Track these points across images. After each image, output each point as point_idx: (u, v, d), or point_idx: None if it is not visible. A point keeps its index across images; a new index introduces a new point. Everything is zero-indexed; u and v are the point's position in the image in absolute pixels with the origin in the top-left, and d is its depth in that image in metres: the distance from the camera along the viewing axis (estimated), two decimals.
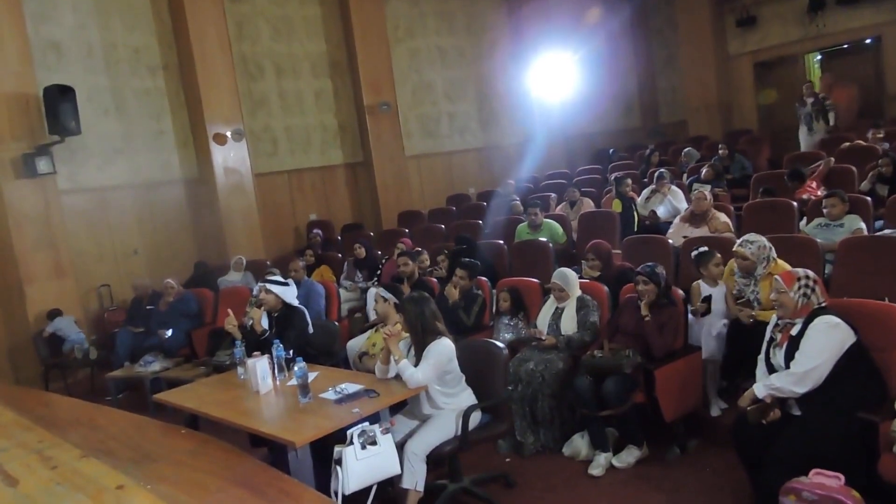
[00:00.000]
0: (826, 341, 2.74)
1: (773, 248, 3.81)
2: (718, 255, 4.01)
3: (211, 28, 8.10)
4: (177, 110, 8.28)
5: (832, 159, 6.59)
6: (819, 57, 11.28)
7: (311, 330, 4.18)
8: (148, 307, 6.37)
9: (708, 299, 3.87)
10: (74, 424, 3.44)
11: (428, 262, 6.00)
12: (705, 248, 4.09)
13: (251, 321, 3.93)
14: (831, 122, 8.55)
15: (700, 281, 4.03)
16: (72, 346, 6.30)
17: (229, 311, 4.05)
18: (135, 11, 7.96)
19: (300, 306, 4.21)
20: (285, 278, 5.87)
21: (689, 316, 3.86)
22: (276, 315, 4.08)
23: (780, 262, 3.79)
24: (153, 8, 8.08)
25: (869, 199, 5.26)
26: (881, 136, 7.24)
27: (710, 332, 3.82)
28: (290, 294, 4.15)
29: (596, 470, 3.56)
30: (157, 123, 8.15)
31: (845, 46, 10.62)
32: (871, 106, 10.29)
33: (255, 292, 4.12)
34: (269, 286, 4.08)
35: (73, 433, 3.21)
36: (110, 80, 7.77)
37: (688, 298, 3.94)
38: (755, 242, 3.80)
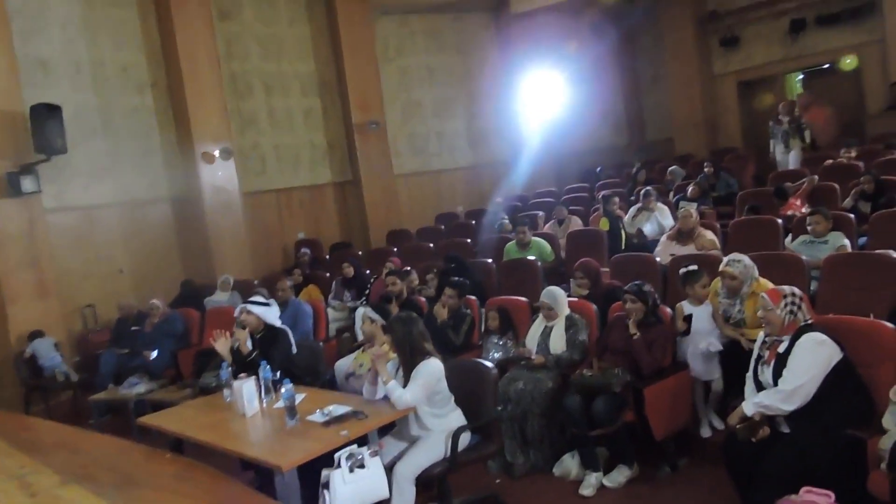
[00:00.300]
0: (813, 358, 2.75)
1: (755, 267, 3.82)
2: (706, 277, 3.95)
3: (200, 46, 8.12)
4: (165, 128, 8.25)
5: (816, 177, 6.67)
6: (801, 77, 11.49)
7: (294, 350, 4.14)
8: (133, 328, 6.28)
9: (688, 319, 3.83)
10: (56, 449, 3.36)
11: (417, 281, 5.98)
12: (694, 267, 4.01)
13: (237, 342, 3.89)
14: (807, 140, 8.60)
15: (684, 301, 3.97)
16: (51, 369, 6.20)
17: (219, 330, 4.00)
18: (123, 29, 7.96)
19: (283, 326, 4.16)
20: (273, 298, 5.86)
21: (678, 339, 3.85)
22: (259, 336, 4.04)
23: (762, 280, 3.80)
24: (142, 26, 8.10)
25: (852, 216, 5.32)
26: (852, 155, 7.36)
27: (694, 351, 3.79)
28: (271, 314, 4.10)
29: (587, 490, 3.54)
30: (144, 142, 8.12)
31: (825, 67, 10.83)
32: (853, 125, 10.47)
33: (236, 314, 4.07)
34: (249, 307, 4.03)
35: (55, 458, 3.13)
36: (98, 98, 7.75)
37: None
38: (741, 261, 3.81)
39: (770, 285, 3.71)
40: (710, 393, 3.90)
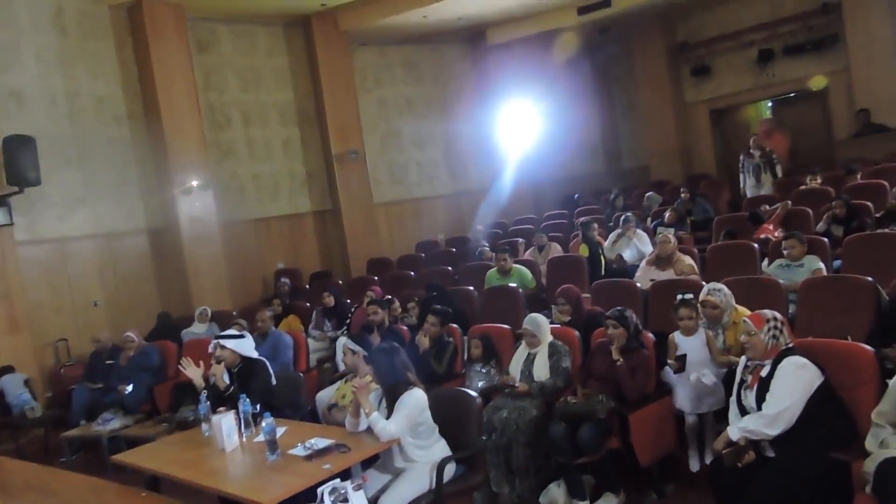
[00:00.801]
0: (795, 382, 2.77)
1: (733, 296, 3.86)
2: (688, 309, 3.78)
3: (178, 77, 8.10)
4: (142, 159, 8.18)
5: (789, 202, 6.82)
6: (770, 104, 11.83)
7: (274, 381, 4.06)
8: (108, 361, 6.12)
9: (682, 358, 3.64)
10: (26, 490, 3.24)
11: (400, 310, 5.95)
12: (690, 295, 3.84)
13: (213, 378, 3.81)
14: (779, 175, 8.63)
15: (676, 333, 3.83)
16: (19, 407, 6.01)
17: (186, 358, 3.92)
18: (100, 60, 7.92)
19: (260, 358, 4.09)
20: (253, 328, 5.78)
21: (667, 368, 3.77)
22: (235, 370, 3.96)
23: (739, 308, 3.84)
24: (119, 57, 8.07)
25: (825, 239, 5.43)
26: (818, 182, 7.54)
27: (684, 383, 3.70)
28: (246, 346, 4.03)
29: None
30: (121, 173, 8.02)
31: (793, 94, 11.17)
32: (821, 150, 10.77)
33: (210, 349, 3.99)
34: (223, 342, 3.95)
35: (25, 499, 3.02)
36: (74, 129, 7.66)
37: (661, 345, 3.91)
38: (721, 290, 3.84)
39: (747, 312, 3.77)
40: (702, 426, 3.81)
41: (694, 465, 3.80)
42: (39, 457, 5.78)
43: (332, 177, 9.89)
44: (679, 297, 3.83)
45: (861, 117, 9.84)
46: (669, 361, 3.71)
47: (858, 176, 7.43)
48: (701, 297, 3.86)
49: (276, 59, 9.71)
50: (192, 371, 3.85)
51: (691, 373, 3.63)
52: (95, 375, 6.09)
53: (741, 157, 8.96)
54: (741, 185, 8.93)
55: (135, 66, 8.16)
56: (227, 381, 3.83)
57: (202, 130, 8.40)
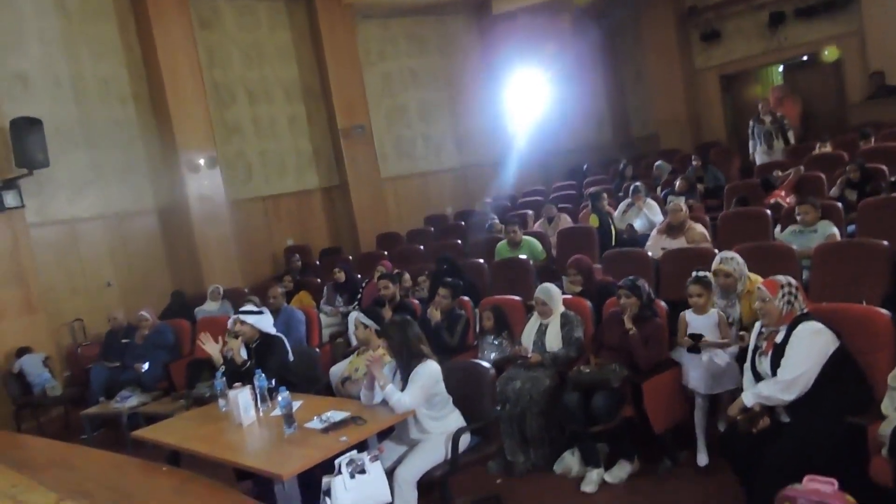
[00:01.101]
0: (811, 347, 2.76)
1: (745, 265, 3.76)
2: (698, 287, 3.62)
3: (181, 56, 8.04)
4: (148, 139, 8.17)
5: (801, 168, 6.73)
6: (781, 69, 11.61)
7: (291, 357, 4.10)
8: (123, 340, 6.20)
9: (697, 337, 3.53)
10: (49, 466, 3.31)
11: (410, 284, 5.96)
12: (706, 274, 3.70)
13: (230, 352, 3.85)
14: (791, 141, 8.48)
15: (688, 311, 3.69)
16: (40, 386, 6.11)
17: (206, 333, 3.96)
18: (103, 41, 7.87)
19: (278, 334, 4.13)
20: (265, 305, 5.81)
21: (679, 347, 3.67)
22: (254, 345, 4.00)
23: (752, 277, 3.74)
24: (122, 38, 8.01)
25: (839, 204, 5.37)
26: (827, 149, 7.42)
27: (696, 364, 3.56)
28: (265, 322, 4.06)
29: (588, 486, 3.53)
30: (128, 153, 8.03)
31: (805, 59, 10.95)
32: (834, 114, 10.60)
33: (229, 325, 4.03)
34: (243, 317, 3.98)
35: (48, 476, 3.08)
36: (79, 111, 7.65)
37: (674, 315, 3.87)
38: (734, 258, 3.74)
39: (762, 280, 3.73)
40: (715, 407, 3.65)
41: (702, 459, 3.58)
42: (60, 434, 5.89)
43: (338, 153, 9.84)
44: (693, 274, 3.68)
45: (875, 80, 9.65)
46: (681, 340, 3.61)
47: (872, 140, 7.31)
48: (713, 266, 3.77)
49: (279, 34, 9.60)
50: (211, 347, 3.89)
51: (704, 352, 3.53)
52: (112, 354, 6.18)
53: (751, 123, 8.81)
54: (751, 152, 8.79)
55: (138, 46, 8.10)
56: (244, 357, 3.87)
57: (208, 109, 8.35)
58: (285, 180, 9.64)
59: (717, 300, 3.81)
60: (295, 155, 9.75)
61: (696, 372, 3.56)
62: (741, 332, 3.55)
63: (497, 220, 7.97)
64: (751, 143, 8.75)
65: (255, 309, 4.13)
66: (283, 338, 4.11)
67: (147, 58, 8.07)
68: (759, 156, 8.57)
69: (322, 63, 9.66)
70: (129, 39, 8.05)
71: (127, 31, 8.04)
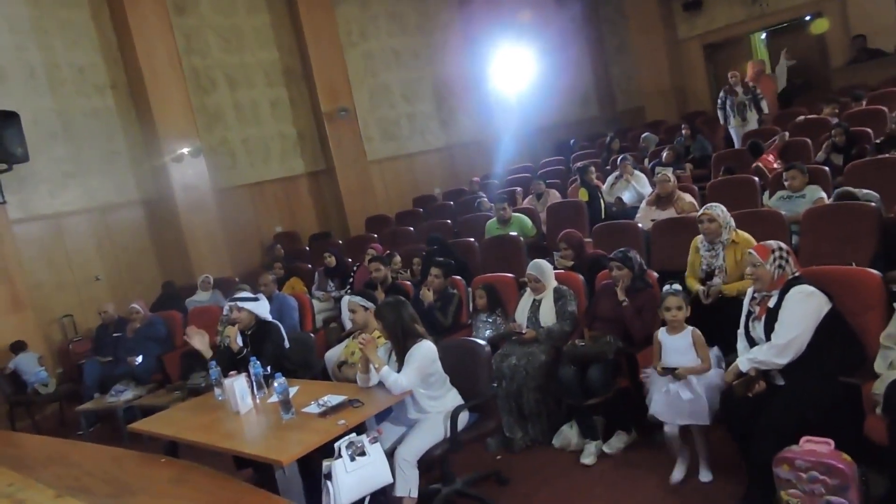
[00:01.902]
0: (803, 311, 2.78)
1: (731, 218, 3.92)
2: (681, 297, 3.21)
3: (158, 43, 7.88)
4: (129, 129, 8.04)
5: (787, 133, 6.74)
6: (764, 36, 11.58)
7: (287, 344, 4.08)
8: (115, 334, 6.15)
9: (670, 371, 3.08)
10: (46, 463, 3.28)
11: (400, 264, 5.93)
12: (678, 287, 3.28)
13: (227, 340, 3.82)
14: (765, 111, 8.20)
15: (661, 331, 3.23)
16: (36, 384, 6.06)
17: (192, 327, 3.92)
18: (76, 29, 7.70)
19: (274, 321, 4.11)
20: (255, 293, 5.78)
21: (649, 368, 3.26)
22: (249, 332, 3.97)
23: (740, 232, 3.88)
24: (95, 25, 7.83)
25: (826, 168, 5.38)
26: (836, 111, 7.41)
27: (659, 388, 3.14)
28: (262, 309, 4.04)
29: (587, 459, 3.56)
30: (109, 144, 7.90)
31: (785, 25, 10.92)
32: (817, 79, 10.61)
33: (225, 311, 4.00)
34: (240, 303, 3.96)
35: (46, 472, 3.06)
36: (56, 102, 7.51)
37: (665, 283, 3.88)
38: (718, 206, 3.91)
39: (748, 237, 3.83)
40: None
41: (677, 475, 3.20)
42: (56, 431, 5.88)
43: (323, 136, 9.74)
44: (666, 287, 3.27)
45: (857, 43, 9.65)
46: (655, 365, 3.19)
47: (864, 102, 7.31)
48: (698, 214, 3.94)
49: (256, 16, 9.43)
50: (198, 341, 3.84)
51: (668, 381, 3.10)
52: (104, 349, 6.14)
53: (721, 95, 8.44)
54: (722, 124, 8.52)
55: (113, 33, 7.94)
56: (241, 344, 3.84)
57: (188, 96, 8.22)
58: (270, 166, 9.55)
59: (703, 253, 3.95)
60: (279, 140, 9.64)
61: (658, 396, 3.14)
62: (716, 288, 3.72)
63: (486, 198, 7.95)
64: (720, 115, 8.41)
65: (251, 295, 4.10)
66: (279, 324, 4.09)
67: (123, 45, 7.91)
68: (732, 129, 8.26)
69: (302, 45, 9.52)
70: (102, 26, 7.89)
71: (100, 17, 7.87)
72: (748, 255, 3.01)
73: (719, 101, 8.43)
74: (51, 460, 3.33)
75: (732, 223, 3.89)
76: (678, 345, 3.16)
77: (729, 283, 3.80)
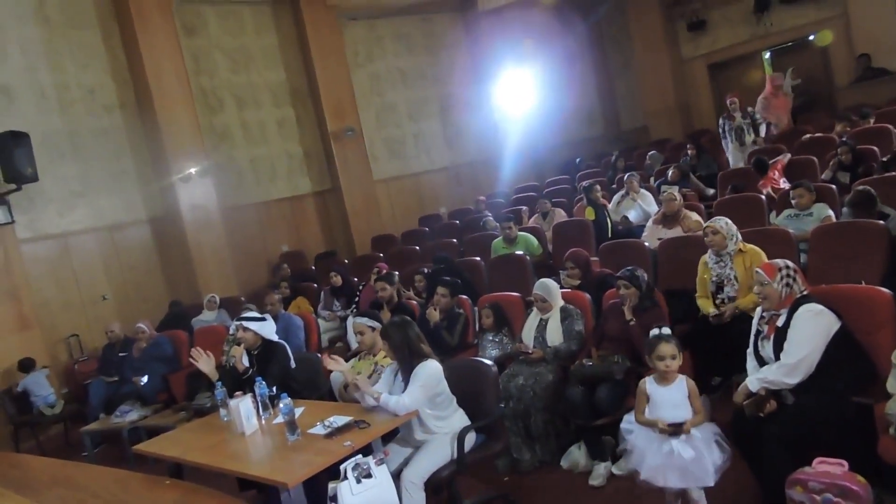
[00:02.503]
0: (813, 330, 2.75)
1: (737, 229, 3.97)
2: (671, 346, 2.82)
3: (167, 63, 7.98)
4: (137, 149, 8.10)
5: (789, 154, 6.74)
6: (768, 55, 11.64)
7: (293, 364, 4.07)
8: (120, 354, 6.15)
9: (678, 427, 2.69)
10: (51, 485, 3.26)
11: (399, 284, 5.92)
12: (667, 331, 2.95)
13: (233, 360, 3.81)
14: (762, 134, 8.05)
15: (649, 378, 2.89)
16: (40, 404, 6.05)
17: (197, 349, 3.89)
18: (87, 50, 7.80)
19: (280, 341, 4.10)
20: (261, 313, 5.77)
21: (629, 423, 2.93)
22: (255, 352, 3.96)
23: (750, 246, 3.92)
24: (106, 46, 7.94)
25: (833, 186, 5.37)
26: (849, 129, 7.39)
27: (651, 447, 2.76)
28: (268, 329, 4.03)
29: (597, 480, 3.51)
30: (117, 163, 7.96)
31: (790, 44, 10.98)
32: (822, 98, 10.63)
33: (231, 331, 3.99)
34: (245, 323, 3.95)
35: (50, 495, 3.04)
36: (65, 122, 7.58)
37: (673, 303, 3.89)
38: (721, 218, 3.98)
39: (756, 249, 3.87)
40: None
41: None
42: (61, 452, 5.84)
43: (329, 156, 9.80)
44: (655, 332, 2.92)
45: (861, 62, 9.68)
46: (639, 416, 2.84)
47: (872, 120, 7.31)
48: (704, 226, 4.04)
49: (264, 38, 9.55)
50: (204, 363, 3.81)
51: (665, 438, 2.71)
52: (110, 368, 6.13)
53: (720, 121, 8.18)
54: (725, 152, 8.19)
55: (123, 54, 8.04)
56: (246, 364, 3.83)
57: (196, 116, 8.30)
58: (277, 185, 9.60)
59: (712, 266, 4.00)
60: (286, 159, 9.71)
61: (654, 457, 2.73)
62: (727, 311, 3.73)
63: (491, 218, 7.96)
64: (724, 143, 8.18)
65: (257, 315, 4.09)
66: (285, 344, 4.08)
67: (132, 66, 8.01)
68: (731, 155, 8.01)
69: (309, 66, 9.62)
70: (113, 47, 7.99)
71: (110, 39, 7.97)
72: (756, 273, 2.99)
73: (719, 127, 8.30)
74: (55, 482, 3.31)
75: (738, 235, 3.94)
76: (671, 397, 2.78)
77: (741, 291, 3.82)
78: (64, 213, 7.48)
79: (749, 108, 8.16)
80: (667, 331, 2.95)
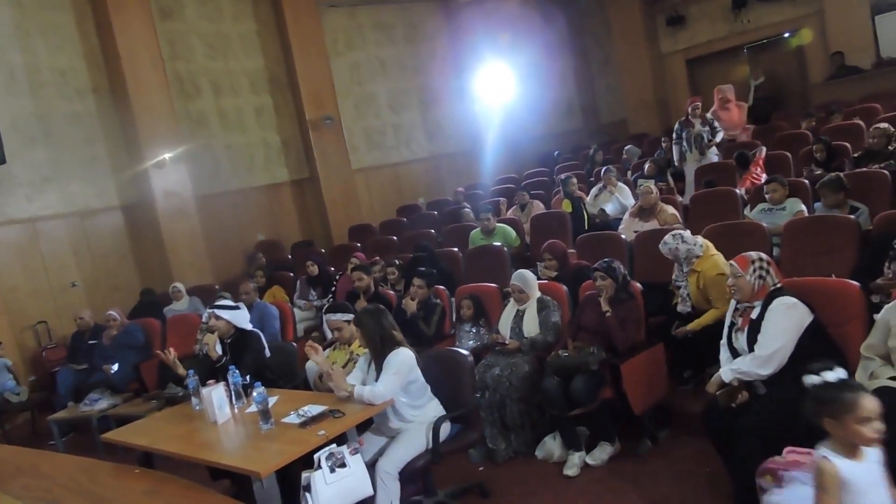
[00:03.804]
0: (786, 322, 2.79)
1: (700, 245, 3.93)
2: (872, 401, 1.96)
3: (141, 47, 7.79)
4: (110, 134, 7.92)
5: (764, 148, 6.82)
6: (746, 51, 11.77)
7: (268, 353, 4.02)
8: (90, 342, 6.03)
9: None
10: (15, 474, 3.18)
11: (381, 273, 5.89)
12: (844, 381, 2.07)
13: (205, 348, 3.75)
14: (717, 139, 7.21)
15: (829, 456, 2.01)
16: (2, 393, 5.91)
17: (170, 350, 3.88)
18: (59, 32, 7.58)
19: (254, 330, 4.04)
20: (236, 302, 5.69)
21: None
22: (229, 341, 3.90)
23: (713, 259, 3.87)
24: (79, 28, 7.73)
25: (806, 181, 5.45)
26: (814, 123, 7.53)
27: None
28: (241, 318, 3.97)
29: (571, 470, 3.53)
30: (89, 148, 7.77)
31: (766, 41, 11.12)
32: (797, 95, 10.80)
33: (204, 319, 3.93)
34: (218, 312, 3.88)
35: (15, 484, 2.97)
36: (36, 105, 7.38)
37: (648, 295, 3.91)
38: (667, 244, 4.00)
39: (718, 264, 3.80)
40: None
41: None
42: (28, 441, 5.72)
43: (307, 145, 9.69)
44: (830, 376, 2.08)
45: (835, 60, 9.83)
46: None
47: (841, 117, 7.42)
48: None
49: (243, 24, 9.38)
50: (174, 359, 3.82)
51: None
52: (79, 356, 6.01)
53: (676, 127, 7.41)
54: (676, 160, 7.43)
55: (96, 37, 7.83)
56: (220, 352, 3.77)
57: (171, 101, 8.13)
58: (254, 173, 9.46)
59: (675, 271, 4.08)
60: (263, 147, 9.57)
61: None
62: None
63: (469, 209, 7.95)
64: (675, 150, 7.40)
65: (230, 303, 4.02)
66: (260, 333, 4.03)
67: (106, 49, 7.81)
68: (689, 164, 7.22)
69: (288, 53, 9.48)
70: (86, 30, 7.78)
71: (84, 21, 7.76)
72: (729, 265, 3.02)
73: (674, 134, 7.39)
74: (20, 472, 3.23)
75: (696, 251, 3.90)
76: (870, 474, 1.95)
77: (695, 304, 3.90)
78: (33, 198, 7.30)
79: (708, 115, 7.47)
80: (843, 372, 2.07)
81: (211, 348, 3.75)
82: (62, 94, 7.59)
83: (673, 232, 4.05)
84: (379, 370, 3.21)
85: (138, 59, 7.76)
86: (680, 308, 3.99)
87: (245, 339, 3.89)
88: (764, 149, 6.81)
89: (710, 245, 4.00)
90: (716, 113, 7.70)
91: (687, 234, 4.01)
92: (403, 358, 3.18)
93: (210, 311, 3.94)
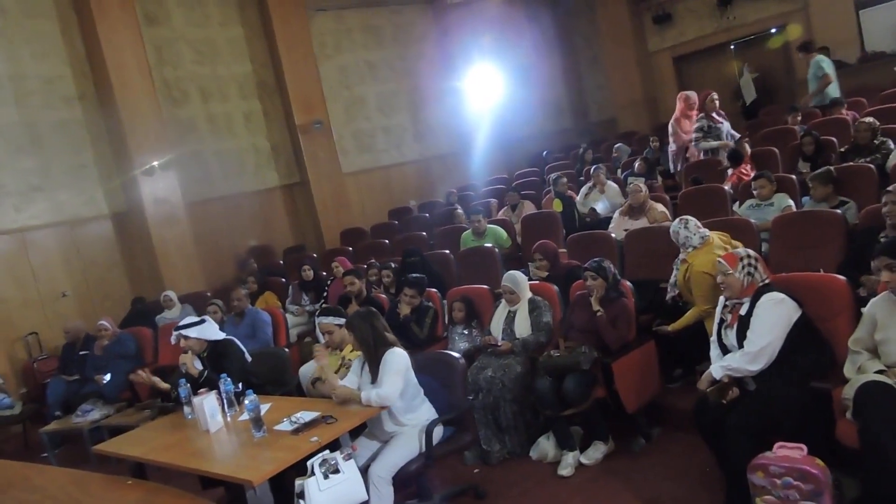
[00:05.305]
0: (775, 318, 2.80)
1: (700, 238, 3.85)
2: None
3: (128, 54, 7.75)
4: (98, 142, 7.88)
5: (747, 145, 6.84)
6: (732, 47, 11.84)
7: (248, 358, 4.00)
8: (82, 352, 5.99)
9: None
10: (6, 488, 3.16)
11: (376, 277, 5.88)
12: None
13: (184, 367, 3.73)
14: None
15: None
16: None
17: (146, 371, 3.94)
18: (44, 39, 7.54)
19: (229, 337, 4.01)
20: (229, 308, 5.67)
21: None
22: (205, 354, 3.87)
23: (707, 255, 3.72)
24: (64, 35, 7.68)
25: (794, 177, 5.48)
26: (799, 118, 7.58)
27: None
28: (209, 331, 3.91)
29: (565, 470, 3.54)
30: (77, 157, 7.73)
31: (752, 37, 11.18)
32: (782, 90, 10.86)
33: (173, 342, 3.91)
34: (184, 332, 3.83)
35: (6, 497, 2.95)
36: (22, 114, 7.33)
37: (639, 293, 3.91)
38: (674, 226, 3.94)
39: (712, 260, 3.60)
40: None
41: None
42: (20, 454, 5.68)
43: (297, 149, 9.66)
44: None
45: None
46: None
47: (821, 112, 7.48)
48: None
49: (230, 29, 9.35)
50: (144, 379, 3.88)
51: None
52: (70, 367, 5.97)
53: (700, 125, 6.94)
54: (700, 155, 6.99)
55: (82, 44, 7.79)
56: (199, 367, 3.75)
57: (159, 108, 8.09)
58: (244, 179, 9.42)
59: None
60: (253, 153, 9.54)
61: None
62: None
63: (461, 210, 7.95)
64: (702, 147, 6.95)
65: (194, 320, 3.96)
66: (235, 340, 4.00)
67: (92, 56, 7.76)
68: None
69: (276, 58, 9.44)
70: (71, 37, 7.73)
71: (69, 28, 7.71)
72: (718, 263, 3.03)
73: (699, 132, 6.98)
74: (11, 485, 3.21)
75: (693, 241, 3.82)
76: None
77: (680, 292, 3.91)
78: (21, 208, 7.25)
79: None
80: None
81: (189, 367, 3.72)
82: (48, 102, 7.55)
83: (683, 216, 3.95)
84: (374, 373, 3.21)
85: (125, 65, 7.71)
86: (669, 293, 3.97)
87: (222, 349, 3.86)
88: (747, 145, 6.82)
89: (716, 243, 3.83)
90: (678, 122, 7.28)
91: (693, 222, 3.88)
92: (399, 358, 3.19)
93: (177, 333, 3.89)
